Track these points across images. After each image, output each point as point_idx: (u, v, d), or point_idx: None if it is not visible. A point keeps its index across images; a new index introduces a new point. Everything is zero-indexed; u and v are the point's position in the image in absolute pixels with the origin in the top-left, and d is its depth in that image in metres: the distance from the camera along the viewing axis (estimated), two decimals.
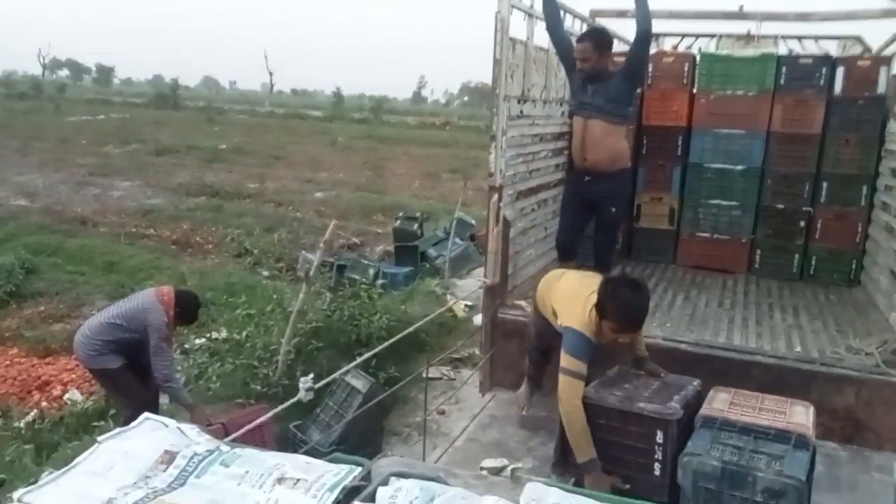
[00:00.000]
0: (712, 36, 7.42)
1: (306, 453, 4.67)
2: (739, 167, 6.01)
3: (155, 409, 4.48)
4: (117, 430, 1.84)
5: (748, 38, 7.08)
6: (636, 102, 6.03)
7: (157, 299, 4.39)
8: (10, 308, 8.20)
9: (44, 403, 5.95)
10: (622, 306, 2.92)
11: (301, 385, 2.75)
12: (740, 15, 6.37)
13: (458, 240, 9.99)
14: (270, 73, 68.24)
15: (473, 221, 11.07)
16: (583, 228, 4.86)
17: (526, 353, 4.00)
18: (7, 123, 28.02)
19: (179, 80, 58.55)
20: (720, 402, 2.83)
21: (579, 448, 2.90)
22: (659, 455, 2.79)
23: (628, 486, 2.79)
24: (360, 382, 4.87)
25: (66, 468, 1.65)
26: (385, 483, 1.59)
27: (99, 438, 1.81)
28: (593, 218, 4.77)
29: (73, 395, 6.03)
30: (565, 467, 3.11)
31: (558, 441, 3.11)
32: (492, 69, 4.47)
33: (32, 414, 5.61)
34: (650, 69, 6.16)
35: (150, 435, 1.82)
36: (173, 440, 1.79)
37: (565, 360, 2.98)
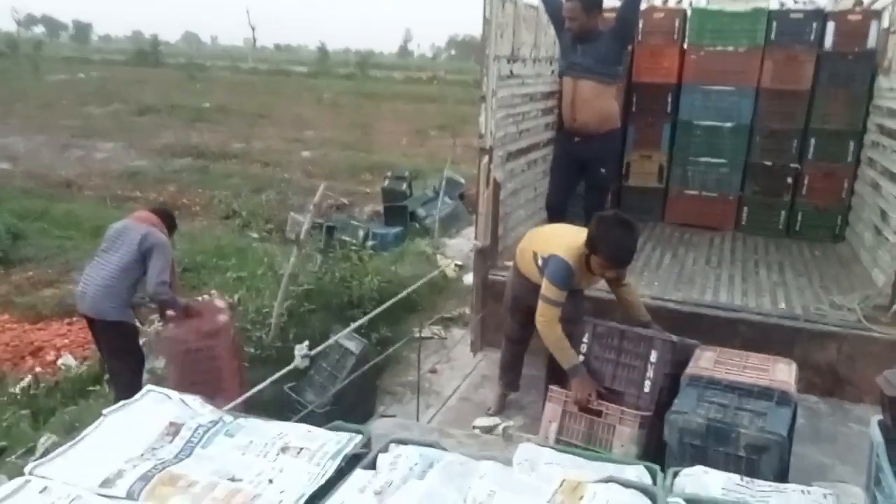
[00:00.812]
0: None
1: (302, 416, 4.77)
2: (729, 124, 6.02)
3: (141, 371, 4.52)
4: (122, 402, 1.88)
5: None
6: (626, 60, 6.00)
7: (148, 223, 4.38)
8: None
9: (38, 369, 5.97)
10: (614, 243, 3.06)
11: (297, 352, 2.80)
12: None
13: (447, 199, 9.99)
14: (253, 28, 66.84)
15: (463, 180, 11.04)
16: (573, 189, 4.89)
17: (504, 336, 3.93)
18: None
19: (159, 36, 57.23)
20: (706, 361, 2.91)
21: (563, 357, 3.12)
22: (650, 373, 2.97)
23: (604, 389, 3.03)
24: (352, 344, 4.92)
25: (73, 441, 1.69)
26: (385, 450, 1.65)
27: (104, 411, 1.85)
28: (583, 178, 4.79)
29: (67, 360, 6.05)
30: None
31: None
32: (482, 28, 4.43)
33: (27, 380, 5.63)
34: (640, 25, 6.09)
35: (154, 407, 1.86)
36: (178, 412, 1.83)
37: (546, 286, 3.17)
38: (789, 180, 5.94)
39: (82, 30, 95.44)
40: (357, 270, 6.74)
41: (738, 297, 4.39)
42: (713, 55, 5.97)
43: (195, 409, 1.88)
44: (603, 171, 4.65)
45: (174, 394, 1.92)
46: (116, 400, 4.26)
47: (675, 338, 3.09)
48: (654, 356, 2.97)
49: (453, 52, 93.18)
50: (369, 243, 8.24)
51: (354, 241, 8.06)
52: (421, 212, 9.97)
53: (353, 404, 4.80)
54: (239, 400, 2.24)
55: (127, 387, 4.30)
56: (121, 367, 4.42)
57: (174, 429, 1.77)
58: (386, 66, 53.79)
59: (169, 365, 4.50)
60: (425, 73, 44.98)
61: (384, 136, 19.13)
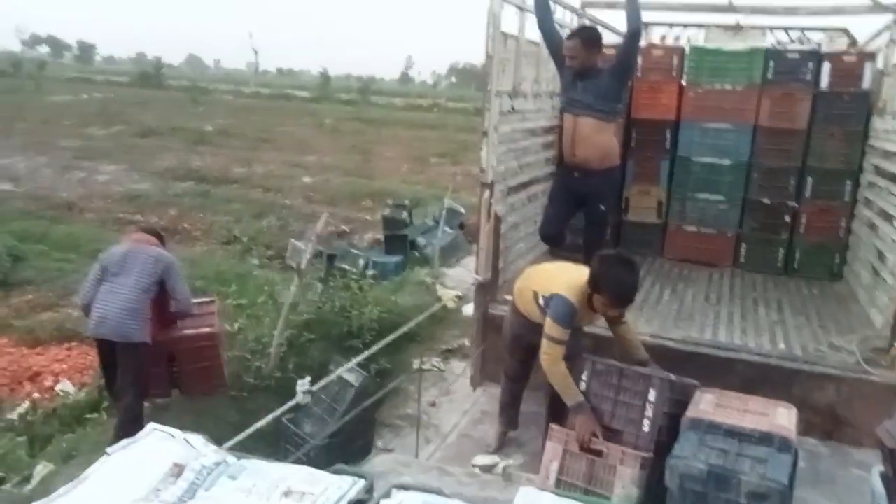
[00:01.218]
0: (700, 26, 7.46)
1: (300, 446, 4.74)
2: (727, 161, 6.09)
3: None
4: (125, 441, 1.89)
5: (736, 29, 7.13)
6: (626, 97, 6.09)
7: (152, 245, 4.66)
8: None
9: (35, 395, 5.94)
10: (617, 283, 3.13)
11: (298, 388, 2.81)
12: (729, 8, 6.40)
13: (447, 228, 10.04)
14: (255, 52, 67.48)
15: (462, 210, 11.11)
16: (567, 220, 4.91)
17: (503, 375, 3.93)
18: None
19: (163, 59, 57.76)
20: (706, 404, 2.92)
21: (567, 394, 3.13)
22: (649, 412, 2.98)
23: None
24: (352, 376, 4.92)
25: (76, 480, 1.69)
26: (387, 496, 1.65)
27: (108, 450, 1.86)
28: (581, 213, 4.83)
29: (65, 386, 6.03)
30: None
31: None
32: (484, 64, 4.51)
33: (25, 405, 5.61)
34: (640, 62, 6.20)
35: (158, 446, 1.86)
36: (181, 452, 1.84)
37: (549, 325, 3.20)
38: (787, 218, 5.99)
39: (86, 50, 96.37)
40: (357, 300, 6.76)
41: (737, 336, 4.41)
42: (711, 93, 6.06)
43: (199, 450, 1.89)
44: (602, 207, 4.70)
45: (177, 433, 1.93)
46: (119, 424, 4.30)
47: (673, 377, 3.10)
48: (652, 395, 2.99)
49: (454, 79, 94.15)
50: (369, 272, 8.27)
51: (355, 270, 8.09)
52: (421, 241, 10.01)
53: (351, 437, 4.79)
54: (241, 436, 2.24)
55: (133, 411, 4.34)
56: (135, 389, 4.42)
57: (178, 470, 1.78)
58: (387, 92, 54.31)
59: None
60: (426, 100, 45.40)
61: (385, 163, 19.26)
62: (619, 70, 4.47)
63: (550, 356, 3.16)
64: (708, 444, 2.64)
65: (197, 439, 1.87)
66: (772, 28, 7.11)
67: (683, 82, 6.24)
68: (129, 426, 4.32)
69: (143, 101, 32.97)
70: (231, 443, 2.14)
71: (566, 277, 3.29)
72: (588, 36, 4.46)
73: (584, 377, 3.19)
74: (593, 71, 4.41)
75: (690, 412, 2.87)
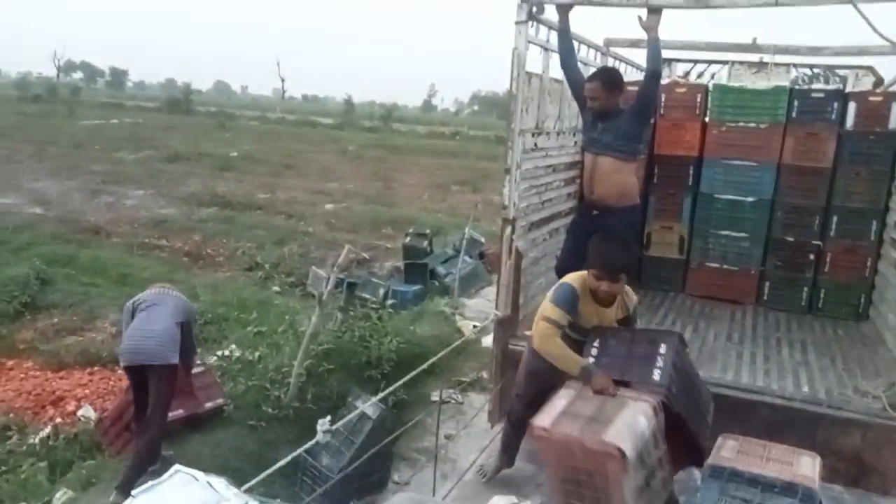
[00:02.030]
0: (724, 63, 7.50)
1: (317, 479, 4.74)
2: (750, 198, 6.06)
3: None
4: (150, 483, 1.92)
5: (760, 66, 7.15)
6: (647, 136, 6.11)
7: (178, 293, 5.01)
8: (24, 320, 8.31)
9: (58, 419, 6.03)
10: (603, 252, 3.30)
11: (319, 427, 2.82)
12: (753, 47, 6.43)
13: (467, 258, 10.06)
14: (282, 80, 68.97)
15: (483, 239, 11.14)
16: (585, 255, 4.89)
17: (506, 418, 3.93)
18: (22, 127, 28.34)
19: (192, 85, 59.08)
20: (728, 451, 2.88)
21: (570, 364, 3.15)
22: (660, 363, 3.07)
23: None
24: (370, 408, 4.92)
25: None
26: None
27: (133, 492, 1.89)
28: None
29: (87, 411, 6.11)
30: None
31: None
32: (509, 103, 4.57)
33: (47, 430, 5.69)
34: (662, 99, 6.23)
35: (182, 490, 1.90)
36: (205, 496, 1.87)
37: (548, 308, 3.27)
38: (811, 256, 5.92)
39: (118, 76, 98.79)
40: (376, 330, 6.79)
41: (760, 378, 4.35)
42: (735, 130, 6.05)
43: (221, 493, 1.92)
44: None
45: (201, 475, 1.96)
46: (137, 456, 4.35)
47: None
48: (663, 348, 3.10)
49: (476, 107, 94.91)
50: (389, 302, 8.29)
51: (374, 299, 8.12)
52: (441, 270, 10.04)
53: (368, 470, 4.77)
54: (262, 476, 2.25)
55: (154, 446, 4.42)
56: (162, 412, 4.58)
57: None
58: (410, 119, 54.92)
59: None
60: (448, 128, 45.80)
61: (406, 190, 19.41)
62: (639, 111, 4.49)
63: (543, 333, 3.21)
64: (730, 492, 2.60)
65: (220, 483, 1.90)
66: (796, 65, 7.13)
67: (707, 119, 6.24)
68: (147, 461, 4.38)
69: (172, 126, 33.68)
70: (251, 483, 2.16)
71: (570, 276, 3.41)
72: (608, 78, 4.49)
73: (595, 344, 3.23)
74: (614, 112, 4.43)
75: (713, 459, 2.84)
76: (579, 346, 3.29)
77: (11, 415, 6.19)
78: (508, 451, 3.90)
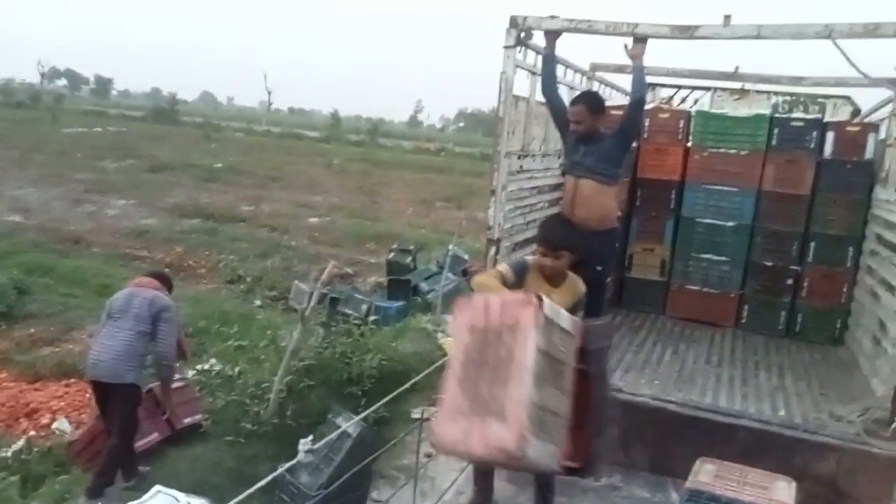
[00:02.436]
0: (707, 89, 7.63)
1: (295, 496, 4.70)
2: (730, 223, 6.16)
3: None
4: (133, 502, 1.91)
5: (742, 93, 7.29)
6: (631, 158, 6.19)
7: (151, 288, 4.72)
8: (0, 330, 8.18)
9: (32, 432, 5.93)
10: (544, 229, 3.59)
11: (301, 447, 2.82)
12: (735, 76, 6.56)
13: (450, 275, 10.07)
14: (269, 92, 68.83)
15: (466, 256, 11.17)
16: None
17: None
18: (4, 134, 28.04)
19: (178, 95, 58.84)
20: (706, 475, 2.92)
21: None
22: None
23: None
24: (351, 426, 4.90)
25: None
26: None
27: None
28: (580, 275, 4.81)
29: (62, 424, 6.01)
30: None
31: None
32: (495, 126, 4.62)
33: (20, 443, 5.59)
34: (646, 123, 6.33)
35: None
36: None
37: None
38: (789, 281, 6.02)
39: (103, 84, 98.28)
40: (358, 346, 6.76)
41: (738, 401, 4.39)
42: (716, 156, 6.16)
43: None
44: (600, 268, 4.69)
45: (182, 497, 1.96)
46: (101, 464, 4.32)
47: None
48: None
49: (462, 124, 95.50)
50: (371, 318, 8.27)
51: (357, 315, 8.10)
52: (424, 286, 10.04)
53: (347, 488, 4.74)
54: (243, 496, 2.23)
55: (117, 453, 4.38)
56: (122, 431, 4.49)
57: None
58: (396, 135, 55.14)
59: None
60: (434, 144, 46.01)
61: (391, 205, 19.44)
62: (621, 136, 4.56)
63: (482, 277, 3.35)
64: None
65: (200, 503, 1.89)
66: (777, 93, 7.27)
67: (689, 144, 6.35)
68: (111, 467, 4.34)
69: (157, 136, 33.54)
70: (233, 503, 2.14)
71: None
72: (592, 101, 4.56)
73: None
74: (596, 135, 4.49)
75: (690, 483, 2.87)
76: None
77: None
78: (480, 480, 3.82)
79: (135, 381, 4.49)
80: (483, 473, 3.85)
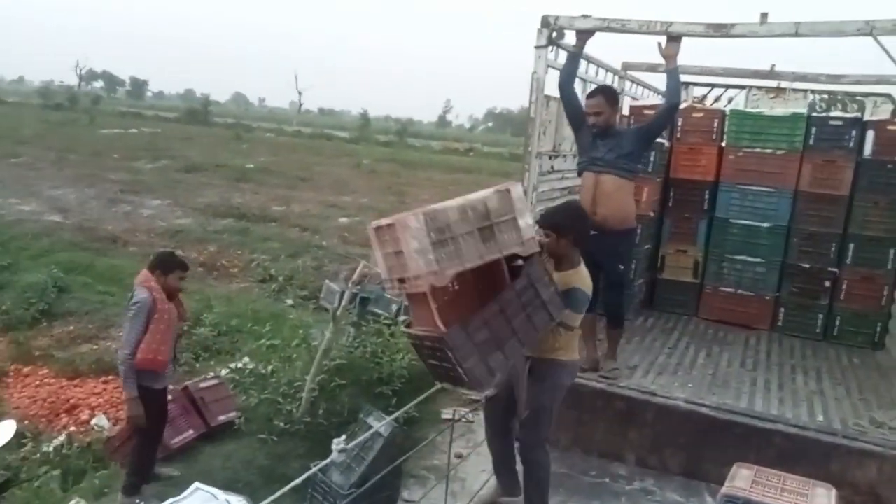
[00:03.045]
0: (742, 87, 7.52)
1: (327, 494, 4.75)
2: (766, 224, 6.06)
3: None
4: (171, 500, 1.95)
5: (778, 91, 7.17)
6: (664, 158, 6.13)
7: (140, 279, 4.49)
8: (41, 327, 8.40)
9: (72, 428, 6.08)
10: None
11: (334, 447, 2.84)
12: (772, 74, 6.46)
13: None
14: (299, 93, 69.46)
15: None
16: (596, 278, 4.84)
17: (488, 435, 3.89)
18: (43, 134, 28.74)
19: (210, 96, 59.82)
20: (742, 480, 2.87)
21: None
22: None
23: None
24: (382, 426, 4.93)
25: None
26: None
27: None
28: (601, 276, 4.74)
29: (101, 420, 6.15)
30: None
31: None
32: (526, 126, 4.61)
33: (61, 438, 5.74)
34: (679, 123, 6.26)
35: None
36: None
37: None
38: (827, 283, 5.91)
39: (138, 86, 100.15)
40: (388, 346, 6.79)
41: (774, 406, 4.32)
42: (751, 156, 6.06)
43: None
44: (621, 267, 4.63)
45: (220, 493, 1.99)
46: (132, 466, 4.39)
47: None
48: None
49: (490, 124, 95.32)
50: (401, 318, 8.29)
51: (387, 315, 8.13)
52: None
53: (378, 487, 4.77)
54: (277, 494, 2.27)
55: (137, 455, 4.45)
56: (137, 434, 4.54)
57: None
58: (424, 135, 55.21)
59: None
60: (462, 144, 45.98)
61: (419, 205, 19.33)
62: (646, 135, 4.51)
63: None
64: None
65: (238, 500, 1.93)
66: (814, 92, 7.14)
67: (723, 144, 6.26)
68: (139, 466, 4.41)
69: (190, 136, 34.05)
70: (268, 501, 2.18)
71: None
72: (611, 93, 4.53)
73: None
74: (613, 130, 4.45)
75: (726, 488, 2.83)
76: None
77: (26, 422, 6.24)
78: (502, 473, 3.88)
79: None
80: (500, 465, 3.88)
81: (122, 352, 4.35)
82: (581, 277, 3.42)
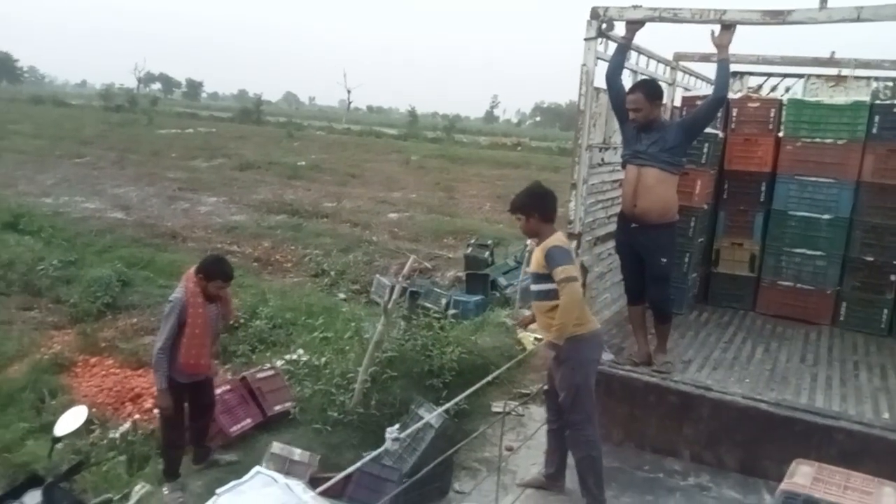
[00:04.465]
0: (800, 76, 7.29)
1: (377, 481, 4.85)
2: (826, 216, 5.88)
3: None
4: (233, 483, 2.03)
5: (839, 79, 6.92)
6: (718, 149, 6.00)
7: (182, 281, 4.75)
8: (106, 319, 8.75)
9: (136, 416, 6.33)
10: None
11: (388, 436, 2.90)
12: (831, 61, 6.24)
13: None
14: (348, 91, 70.27)
15: None
16: (641, 273, 4.76)
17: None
18: (105, 135, 29.89)
19: (262, 96, 61.06)
20: (802, 477, 2.80)
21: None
22: None
23: None
24: (433, 417, 4.98)
25: None
26: None
27: (218, 491, 2.01)
28: (645, 271, 4.66)
29: None
30: None
31: None
32: (577, 119, 4.58)
33: (126, 425, 5.98)
34: (734, 113, 6.11)
35: (262, 491, 2.00)
36: (284, 498, 1.97)
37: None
38: (893, 277, 5.69)
39: (194, 87, 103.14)
40: (438, 339, 6.84)
41: (836, 402, 4.20)
42: (810, 146, 5.88)
43: (298, 496, 2.01)
44: (664, 260, 4.54)
45: (280, 477, 2.06)
46: (164, 454, 4.59)
47: None
48: None
49: (538, 118, 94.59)
50: (451, 311, 8.36)
51: (437, 309, 8.19)
52: (502, 281, 10.04)
53: (429, 477, 4.83)
54: (334, 480, 2.34)
55: (167, 448, 4.70)
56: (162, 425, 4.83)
57: None
58: (472, 130, 55.19)
59: None
60: (510, 139, 45.78)
61: (468, 200, 19.50)
62: (690, 127, 4.42)
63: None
64: None
65: (297, 485, 2.00)
66: (878, 79, 6.87)
67: (780, 135, 6.09)
68: (171, 453, 4.70)
69: (243, 135, 34.89)
70: (324, 487, 2.25)
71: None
72: (650, 89, 4.44)
73: None
74: (656, 123, 4.38)
75: (785, 484, 2.77)
76: None
77: (94, 409, 6.52)
78: (551, 455, 4.14)
79: (159, 386, 4.62)
80: (553, 448, 4.08)
81: (155, 346, 4.64)
82: (555, 238, 3.76)
